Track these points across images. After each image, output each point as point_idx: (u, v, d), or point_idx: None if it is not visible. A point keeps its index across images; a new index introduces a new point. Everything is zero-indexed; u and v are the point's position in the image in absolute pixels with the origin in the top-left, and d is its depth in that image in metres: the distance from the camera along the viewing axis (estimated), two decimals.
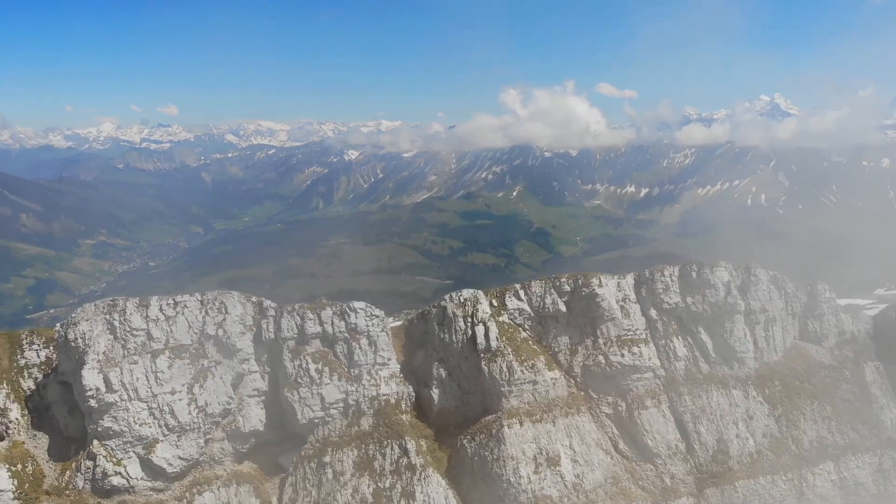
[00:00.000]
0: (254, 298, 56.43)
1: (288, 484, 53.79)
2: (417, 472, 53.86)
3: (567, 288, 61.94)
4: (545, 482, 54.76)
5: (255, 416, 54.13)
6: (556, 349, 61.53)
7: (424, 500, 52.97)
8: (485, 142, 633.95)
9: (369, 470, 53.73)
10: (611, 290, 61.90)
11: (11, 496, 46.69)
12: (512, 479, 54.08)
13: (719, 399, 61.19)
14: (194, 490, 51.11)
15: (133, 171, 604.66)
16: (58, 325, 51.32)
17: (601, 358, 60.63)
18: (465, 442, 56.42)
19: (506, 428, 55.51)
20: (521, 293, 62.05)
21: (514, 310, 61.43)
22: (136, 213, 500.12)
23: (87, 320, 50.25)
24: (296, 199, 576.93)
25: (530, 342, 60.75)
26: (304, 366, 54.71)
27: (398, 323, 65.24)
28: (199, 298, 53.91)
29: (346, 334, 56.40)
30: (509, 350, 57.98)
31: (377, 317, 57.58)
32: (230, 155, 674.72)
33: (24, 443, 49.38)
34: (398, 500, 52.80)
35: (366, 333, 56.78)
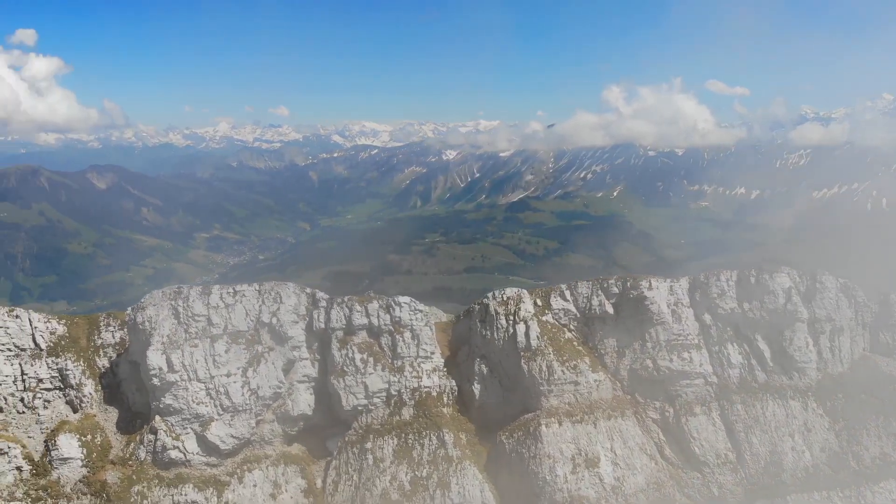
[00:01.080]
0: (308, 290, 59.68)
1: (332, 467, 56.61)
2: (454, 464, 55.28)
3: (615, 290, 61.43)
4: (582, 483, 54.75)
5: (303, 401, 57.27)
6: (603, 351, 61.18)
7: (459, 492, 54.31)
8: (585, 140, 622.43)
9: (408, 458, 55.64)
10: (661, 293, 60.83)
11: (80, 464, 51.89)
12: (548, 478, 54.47)
13: (775, 409, 58.88)
14: (245, 467, 54.81)
15: (246, 169, 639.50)
16: (129, 308, 56.40)
17: (649, 362, 59.80)
18: (503, 438, 57.26)
19: (543, 427, 55.91)
20: (567, 293, 62.11)
21: (559, 310, 61.57)
22: (247, 209, 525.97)
23: (154, 305, 55.02)
24: (395, 197, 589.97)
25: (575, 343, 60.73)
26: (350, 355, 57.38)
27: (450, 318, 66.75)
28: (257, 288, 57.66)
29: (391, 327, 58.63)
30: (550, 350, 58.29)
31: (421, 311, 59.43)
32: (336, 155, 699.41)
33: (95, 415, 54.68)
34: (434, 489, 54.42)
35: (409, 327, 58.76)
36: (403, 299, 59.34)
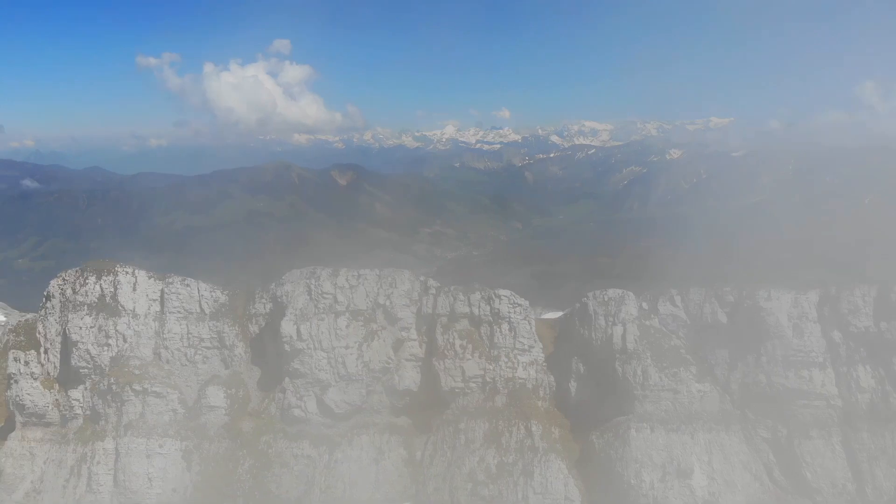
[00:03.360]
0: (421, 277, 65.00)
1: (430, 441, 61.20)
2: (539, 455, 57.04)
3: (730, 298, 58.59)
4: (671, 492, 53.68)
5: (409, 378, 62.56)
6: (713, 362, 58.69)
7: (541, 482, 56.02)
8: (832, 141, 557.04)
9: (496, 444, 58.45)
10: (782, 305, 56.79)
11: (223, 412, 62.17)
12: (633, 482, 54.19)
13: None
14: (354, 431, 61.41)
15: (467, 169, 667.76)
16: (272, 283, 65.87)
17: (763, 377, 56.44)
18: (594, 438, 57.72)
19: (632, 431, 55.53)
20: (677, 299, 60.37)
21: (667, 315, 60.07)
22: (466, 208, 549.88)
23: (291, 282, 63.94)
24: (611, 198, 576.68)
25: (682, 351, 58.85)
26: (451, 340, 61.57)
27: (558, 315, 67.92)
28: (378, 273, 64.16)
29: (490, 318, 61.68)
30: (648, 355, 57.35)
31: (520, 306, 61.66)
32: (552, 155, 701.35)
33: (241, 373, 64.77)
34: (518, 475, 56.71)
35: (507, 319, 61.34)
36: (504, 292, 62.04)
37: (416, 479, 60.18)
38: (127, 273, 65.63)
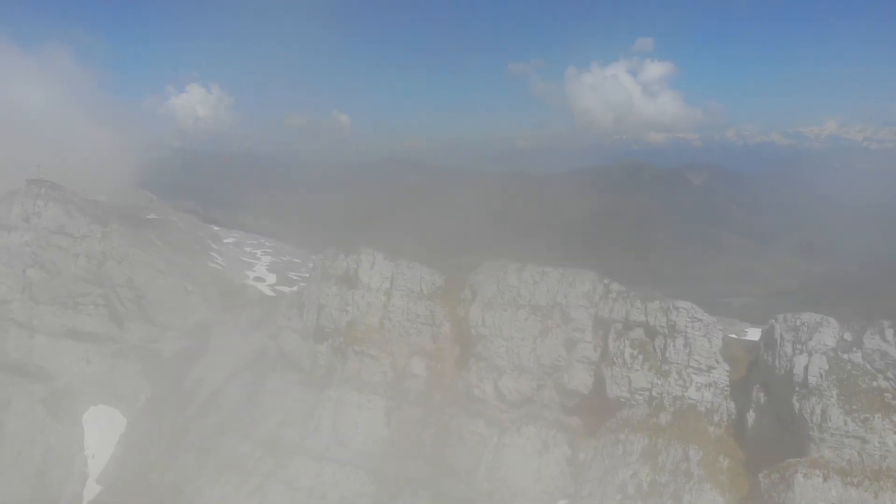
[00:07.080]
0: (605, 280, 64.11)
1: (593, 446, 60.61)
2: (692, 481, 52.86)
3: None
4: None
5: (579, 379, 62.64)
6: None
7: None
8: None
9: (652, 461, 55.54)
10: None
11: (423, 381, 69.96)
12: None
13: None
14: (523, 420, 64.03)
15: (848, 170, 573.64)
16: (471, 272, 71.55)
17: None
18: (761, 476, 51.12)
19: (800, 475, 48.01)
20: (889, 333, 49.46)
21: (874, 351, 49.69)
22: (843, 215, 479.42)
23: (484, 273, 69.23)
24: None
25: (888, 395, 48.34)
26: (621, 348, 59.85)
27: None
28: (560, 272, 65.55)
29: (666, 330, 58.21)
30: (834, 393, 48.54)
31: (700, 321, 56.87)
32: None
33: (444, 349, 71.71)
34: (667, 498, 53.40)
35: (683, 334, 57.15)
36: (683, 304, 57.83)
37: (576, 480, 60.47)
38: (368, 254, 77.82)
